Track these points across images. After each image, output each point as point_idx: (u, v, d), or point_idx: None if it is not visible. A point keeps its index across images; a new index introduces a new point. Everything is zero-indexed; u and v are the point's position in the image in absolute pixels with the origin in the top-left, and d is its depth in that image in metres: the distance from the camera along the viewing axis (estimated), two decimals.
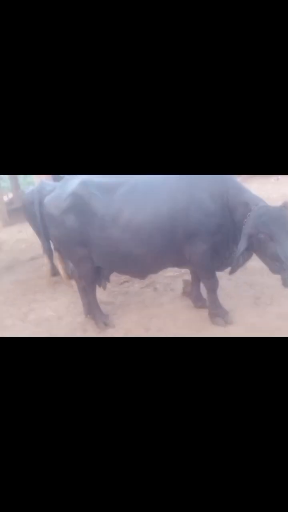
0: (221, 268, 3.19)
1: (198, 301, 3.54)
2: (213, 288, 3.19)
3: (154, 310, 3.68)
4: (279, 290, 3.55)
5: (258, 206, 2.68)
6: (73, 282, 4.46)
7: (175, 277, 4.31)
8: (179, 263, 3.26)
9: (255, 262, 3.00)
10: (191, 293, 3.59)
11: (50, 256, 4.73)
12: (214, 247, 2.98)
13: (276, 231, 2.54)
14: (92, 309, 3.56)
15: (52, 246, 4.65)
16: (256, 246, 2.71)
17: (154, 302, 3.87)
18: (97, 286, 3.54)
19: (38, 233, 4.73)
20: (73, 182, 3.14)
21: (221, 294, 3.41)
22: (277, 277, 3.10)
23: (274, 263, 2.63)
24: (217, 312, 3.21)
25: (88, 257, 3.22)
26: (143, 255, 3.02)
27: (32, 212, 4.48)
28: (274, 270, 2.69)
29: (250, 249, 2.77)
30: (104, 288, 3.57)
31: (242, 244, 2.70)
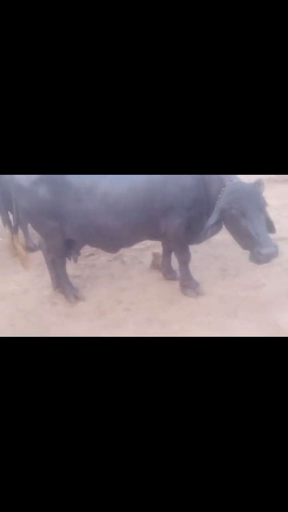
0: (193, 241, 3.26)
1: (168, 273, 3.62)
2: (185, 260, 3.28)
3: (124, 282, 3.71)
4: (243, 262, 3.73)
5: (232, 182, 2.74)
6: (35, 255, 4.32)
7: (142, 250, 4.33)
8: (153, 236, 3.28)
9: (218, 236, 3.11)
10: (162, 266, 3.65)
11: (10, 228, 4.49)
12: (189, 221, 3.04)
13: (248, 208, 2.60)
14: (61, 282, 3.49)
15: (11, 218, 4.41)
16: (228, 221, 2.79)
17: (123, 275, 3.88)
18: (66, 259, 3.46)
19: None
20: None
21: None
22: (241, 250, 3.23)
23: (245, 238, 2.70)
24: (188, 283, 3.32)
25: (59, 229, 3.11)
26: (119, 228, 2.99)
27: None
28: (244, 246, 2.76)
29: (220, 223, 2.86)
30: (75, 261, 3.50)
31: (213, 217, 2.76)
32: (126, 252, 4.33)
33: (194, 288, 3.31)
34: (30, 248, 4.58)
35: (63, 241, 3.21)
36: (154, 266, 3.86)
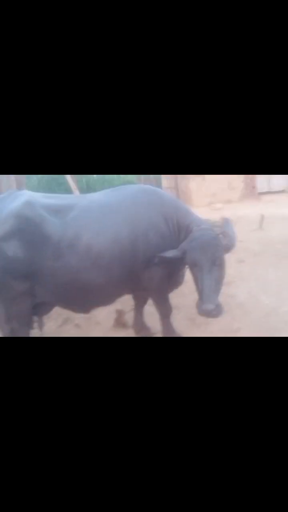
0: (169, 289, 3.13)
1: (142, 330, 3.34)
2: (167, 313, 3.10)
3: None
4: None
5: (198, 228, 2.66)
6: None
7: None
8: (134, 290, 3.03)
9: None
10: (135, 322, 3.35)
11: None
12: (169, 271, 2.93)
13: (200, 259, 2.49)
14: None
15: None
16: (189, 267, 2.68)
17: None
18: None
19: None
20: (8, 202, 2.53)
21: (154, 320, 3.32)
22: (194, 298, 3.18)
23: (196, 289, 2.61)
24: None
25: (29, 292, 2.58)
26: (102, 284, 2.66)
27: None
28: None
29: (180, 262, 2.69)
30: (41, 329, 2.90)
31: (170, 252, 2.61)
32: (74, 314, 3.84)
33: None
34: None
35: (31, 306, 2.66)
36: (119, 324, 3.52)
